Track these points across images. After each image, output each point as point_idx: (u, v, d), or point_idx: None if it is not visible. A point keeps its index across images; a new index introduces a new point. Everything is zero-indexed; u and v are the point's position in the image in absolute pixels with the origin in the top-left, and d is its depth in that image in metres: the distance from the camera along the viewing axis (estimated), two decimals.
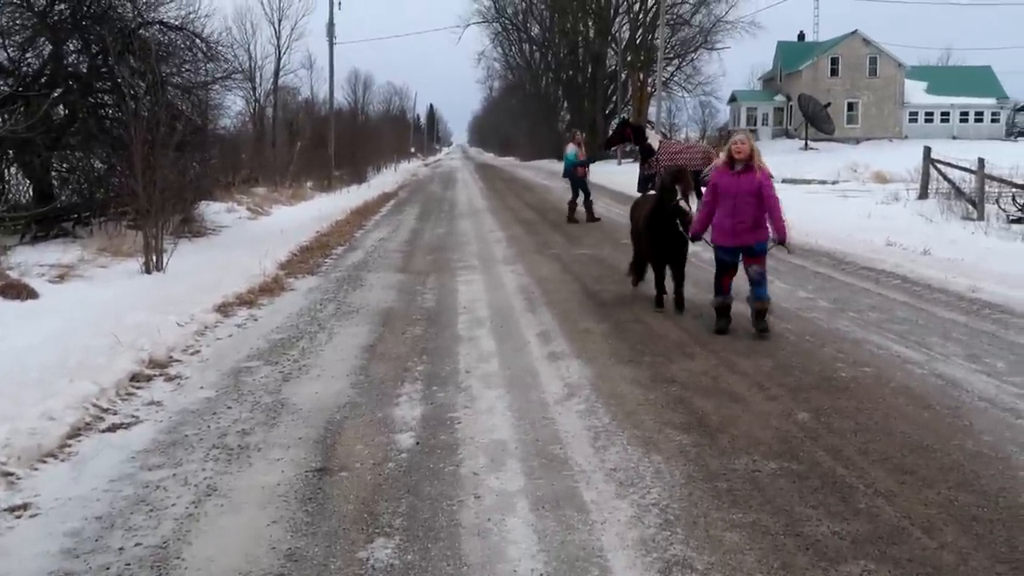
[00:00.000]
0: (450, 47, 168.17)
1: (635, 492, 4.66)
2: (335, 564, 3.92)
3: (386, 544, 4.11)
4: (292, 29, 43.04)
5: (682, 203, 8.70)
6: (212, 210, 19.63)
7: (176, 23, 16.58)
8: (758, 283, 8.14)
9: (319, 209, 22.49)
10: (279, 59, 42.11)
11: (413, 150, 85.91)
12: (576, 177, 19.49)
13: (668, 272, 9.30)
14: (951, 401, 6.19)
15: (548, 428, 5.68)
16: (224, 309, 9.31)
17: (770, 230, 8.08)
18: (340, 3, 37.81)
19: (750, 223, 7.97)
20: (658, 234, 9.00)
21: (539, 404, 6.20)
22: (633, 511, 4.43)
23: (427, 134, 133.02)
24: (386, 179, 41.61)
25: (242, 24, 40.13)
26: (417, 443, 5.44)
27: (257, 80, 40.18)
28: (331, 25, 37.35)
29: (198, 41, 16.96)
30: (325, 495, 4.65)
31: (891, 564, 3.86)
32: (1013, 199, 18.48)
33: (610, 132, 21.87)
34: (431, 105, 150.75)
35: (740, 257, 8.19)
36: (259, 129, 38.02)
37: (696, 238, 8.55)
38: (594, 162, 21.86)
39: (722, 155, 8.13)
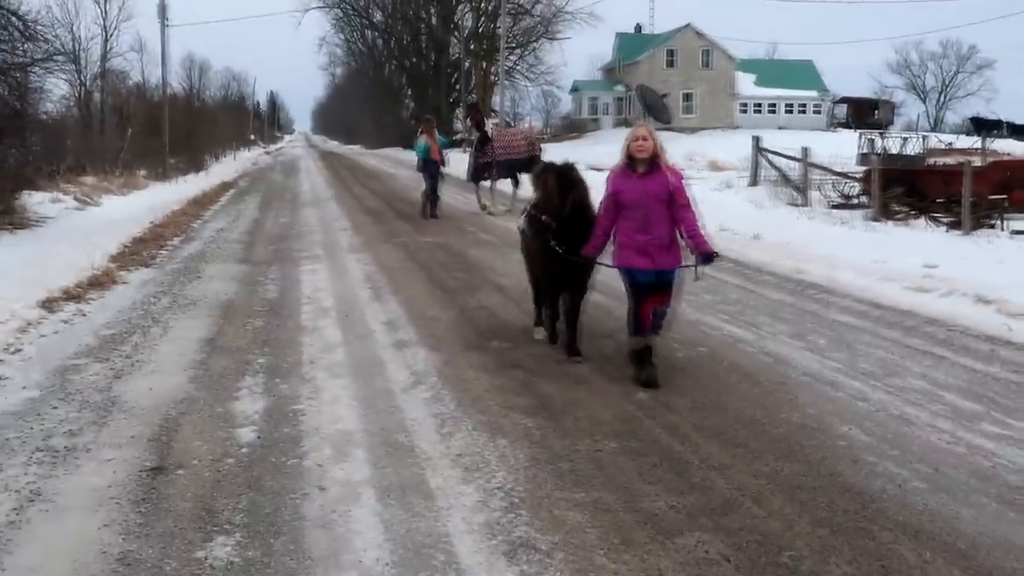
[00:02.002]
0: (290, 32, 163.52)
1: (480, 476, 4.69)
2: (171, 566, 3.77)
3: (226, 542, 3.98)
4: (120, 9, 40.88)
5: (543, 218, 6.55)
6: (35, 200, 18.45)
7: None
8: (658, 322, 6.53)
9: (153, 199, 21.56)
10: (106, 41, 39.85)
11: (254, 138, 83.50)
12: (430, 170, 18.17)
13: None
14: (778, 377, 6.53)
15: (394, 416, 5.65)
16: (49, 305, 8.78)
17: (686, 247, 6.41)
18: None
19: (666, 239, 6.30)
20: (550, 251, 6.70)
21: (385, 393, 6.15)
22: (479, 495, 4.46)
23: (268, 121, 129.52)
24: (226, 168, 40.31)
25: (64, 2, 37.80)
26: (259, 437, 5.30)
27: (83, 63, 37.93)
28: (162, 6, 35.76)
29: (14, 19, 15.91)
30: (160, 495, 4.47)
31: (724, 534, 4.03)
32: (834, 186, 19.66)
33: (465, 120, 20.99)
34: (272, 92, 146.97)
35: (651, 282, 6.37)
36: (86, 114, 35.99)
37: (589, 262, 6.72)
38: (449, 147, 21.34)
39: (619, 155, 6.41)
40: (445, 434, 5.34)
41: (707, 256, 6.21)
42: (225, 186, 29.13)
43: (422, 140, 18.62)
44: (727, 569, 3.75)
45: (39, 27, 17.00)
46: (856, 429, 5.42)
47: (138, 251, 12.85)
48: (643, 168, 6.27)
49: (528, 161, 18.70)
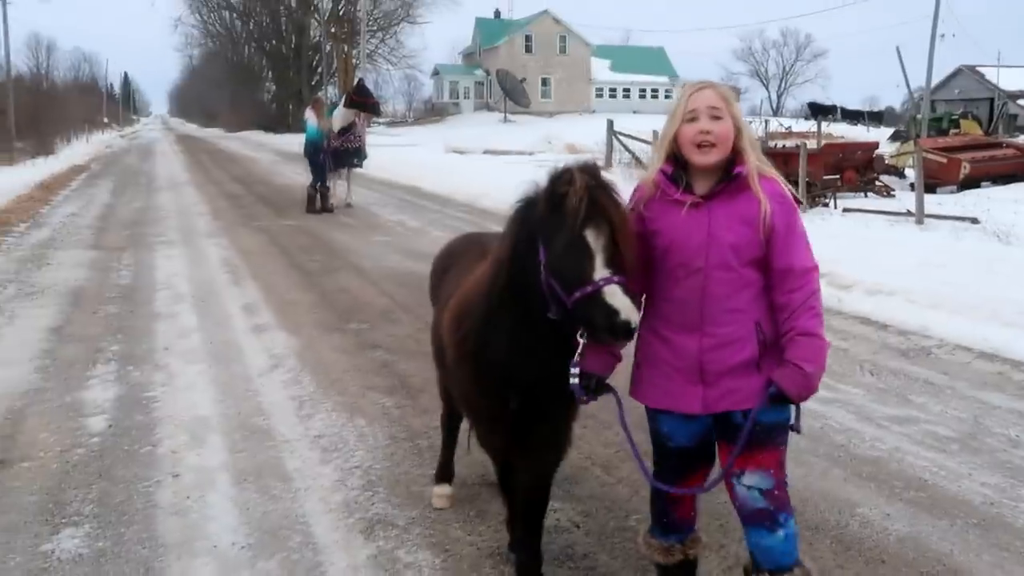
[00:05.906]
0: (145, 10, 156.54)
1: (339, 457, 4.73)
2: (15, 560, 3.67)
3: (74, 534, 3.90)
4: None
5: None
6: None
7: None
8: (760, 519, 2.74)
9: None
10: None
11: (107, 120, 79.81)
12: (318, 157, 15.85)
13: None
14: None
15: (251, 401, 5.62)
16: None
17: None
18: None
19: (745, 342, 2.71)
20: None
21: (243, 377, 6.11)
22: (337, 475, 4.50)
23: (122, 104, 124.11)
24: (77, 151, 38.31)
25: None
26: (110, 426, 5.18)
27: None
28: None
29: None
30: (4, 488, 4.33)
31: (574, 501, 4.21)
32: None
33: (351, 99, 16.90)
34: (126, 73, 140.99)
35: (709, 436, 2.86)
36: None
37: (597, 387, 2.78)
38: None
39: (655, 155, 2.94)
40: (303, 416, 5.35)
41: (797, 390, 2.62)
42: (76, 170, 27.84)
43: (310, 119, 16.25)
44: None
45: None
46: None
47: None
48: (709, 182, 2.75)
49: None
